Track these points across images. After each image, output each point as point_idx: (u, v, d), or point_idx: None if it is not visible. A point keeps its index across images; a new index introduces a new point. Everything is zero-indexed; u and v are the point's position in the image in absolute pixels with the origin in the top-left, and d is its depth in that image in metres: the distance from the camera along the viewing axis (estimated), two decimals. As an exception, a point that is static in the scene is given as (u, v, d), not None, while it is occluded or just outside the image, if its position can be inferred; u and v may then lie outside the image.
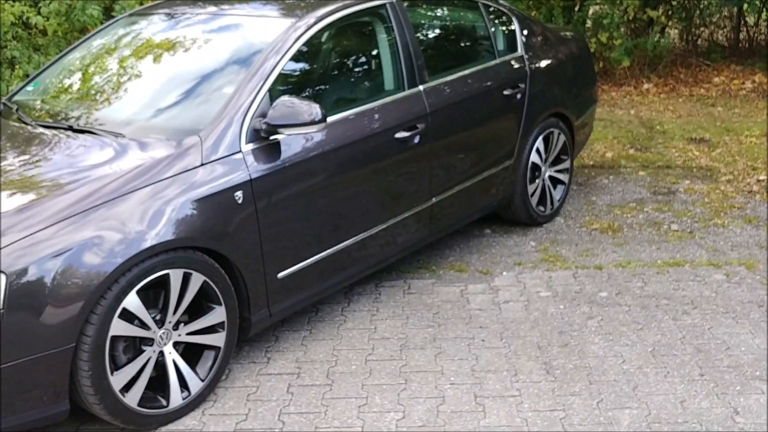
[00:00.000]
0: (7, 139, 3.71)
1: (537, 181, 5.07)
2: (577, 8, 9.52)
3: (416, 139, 4.06)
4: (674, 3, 9.69)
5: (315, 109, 3.37)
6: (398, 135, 3.98)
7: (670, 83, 9.22)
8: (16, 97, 4.22)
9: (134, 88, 3.92)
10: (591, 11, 9.39)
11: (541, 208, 5.15)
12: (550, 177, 5.21)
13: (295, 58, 3.75)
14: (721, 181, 5.99)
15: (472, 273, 4.53)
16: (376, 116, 3.95)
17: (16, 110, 3.93)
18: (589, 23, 9.34)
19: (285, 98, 3.43)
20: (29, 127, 3.73)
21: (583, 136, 5.63)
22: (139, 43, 4.20)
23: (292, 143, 3.53)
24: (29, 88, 4.30)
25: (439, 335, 3.85)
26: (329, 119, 3.57)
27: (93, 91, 4.03)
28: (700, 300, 4.16)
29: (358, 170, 3.84)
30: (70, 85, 4.18)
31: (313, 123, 3.37)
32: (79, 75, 4.21)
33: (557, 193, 5.28)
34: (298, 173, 3.54)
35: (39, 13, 7.19)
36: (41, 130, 3.67)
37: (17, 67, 7.14)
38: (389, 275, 4.47)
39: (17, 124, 3.80)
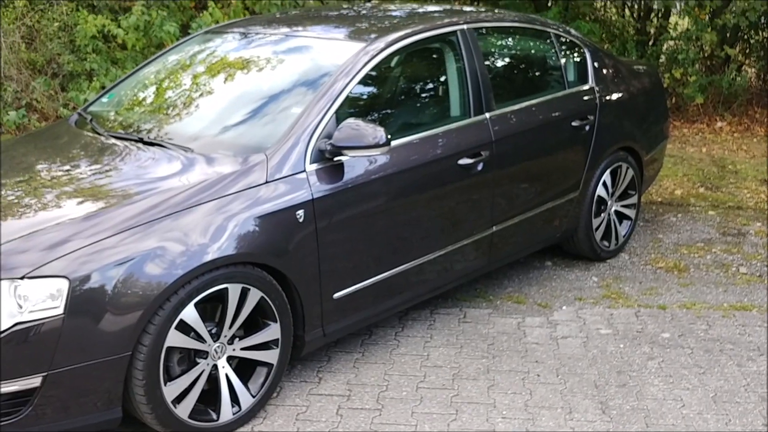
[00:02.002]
0: (80, 148, 3.81)
1: (602, 215, 4.98)
2: (651, 42, 9.37)
3: (480, 167, 4.04)
4: (752, 41, 9.47)
5: (380, 133, 3.38)
6: (462, 161, 3.96)
7: (744, 122, 8.98)
8: (91, 108, 4.34)
9: (204, 104, 3.99)
10: (665, 46, 9.23)
11: (606, 243, 5.05)
12: (616, 212, 5.11)
13: (363, 82, 3.76)
14: (795, 225, 5.80)
15: (531, 305, 4.46)
16: (441, 142, 3.94)
17: (90, 120, 4.05)
18: (663, 58, 9.19)
19: (351, 120, 3.45)
20: (102, 138, 3.83)
21: (653, 171, 5.52)
22: (212, 61, 4.28)
23: (356, 165, 3.54)
24: (104, 99, 4.42)
25: (493, 367, 3.79)
26: (393, 143, 3.58)
27: (164, 105, 4.12)
28: (767, 347, 4.01)
29: (419, 195, 3.82)
30: (143, 99, 4.28)
31: (377, 146, 3.38)
32: (152, 89, 4.31)
33: (623, 228, 5.17)
34: (359, 195, 3.55)
35: (119, 26, 7.42)
36: (113, 140, 3.76)
37: (95, 79, 7.38)
38: (445, 302, 4.43)
39: (91, 134, 3.91)
